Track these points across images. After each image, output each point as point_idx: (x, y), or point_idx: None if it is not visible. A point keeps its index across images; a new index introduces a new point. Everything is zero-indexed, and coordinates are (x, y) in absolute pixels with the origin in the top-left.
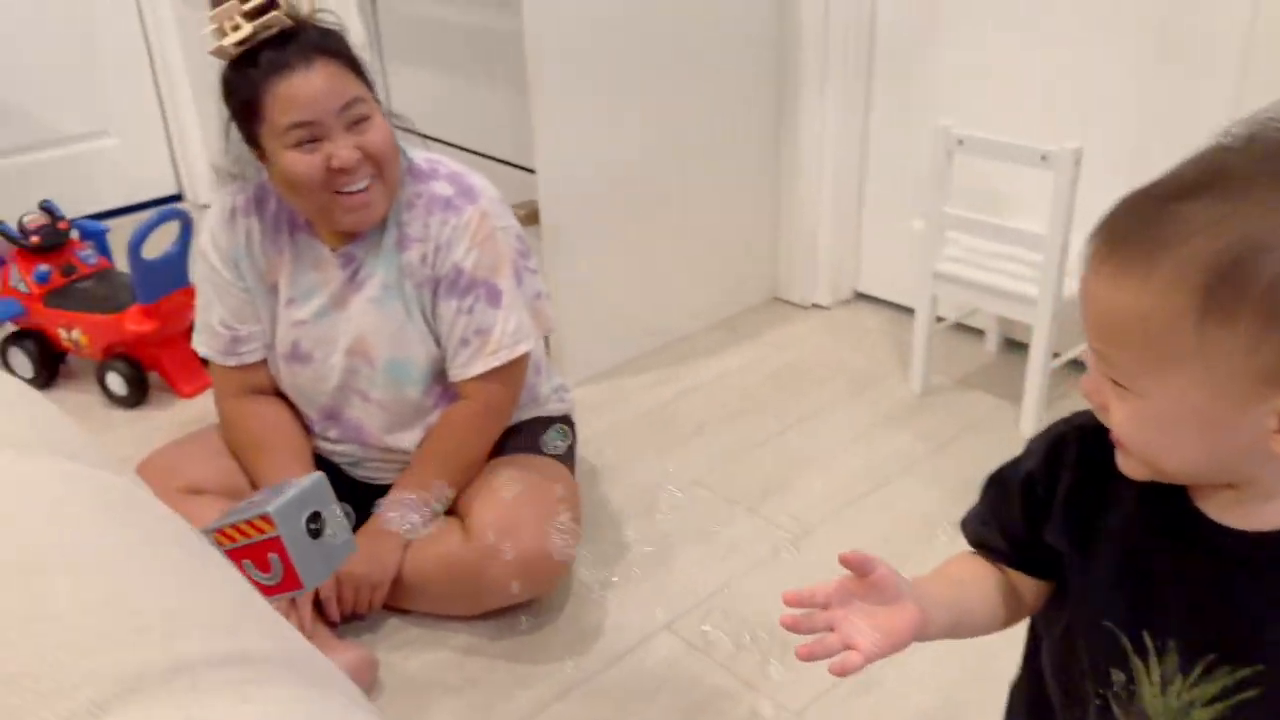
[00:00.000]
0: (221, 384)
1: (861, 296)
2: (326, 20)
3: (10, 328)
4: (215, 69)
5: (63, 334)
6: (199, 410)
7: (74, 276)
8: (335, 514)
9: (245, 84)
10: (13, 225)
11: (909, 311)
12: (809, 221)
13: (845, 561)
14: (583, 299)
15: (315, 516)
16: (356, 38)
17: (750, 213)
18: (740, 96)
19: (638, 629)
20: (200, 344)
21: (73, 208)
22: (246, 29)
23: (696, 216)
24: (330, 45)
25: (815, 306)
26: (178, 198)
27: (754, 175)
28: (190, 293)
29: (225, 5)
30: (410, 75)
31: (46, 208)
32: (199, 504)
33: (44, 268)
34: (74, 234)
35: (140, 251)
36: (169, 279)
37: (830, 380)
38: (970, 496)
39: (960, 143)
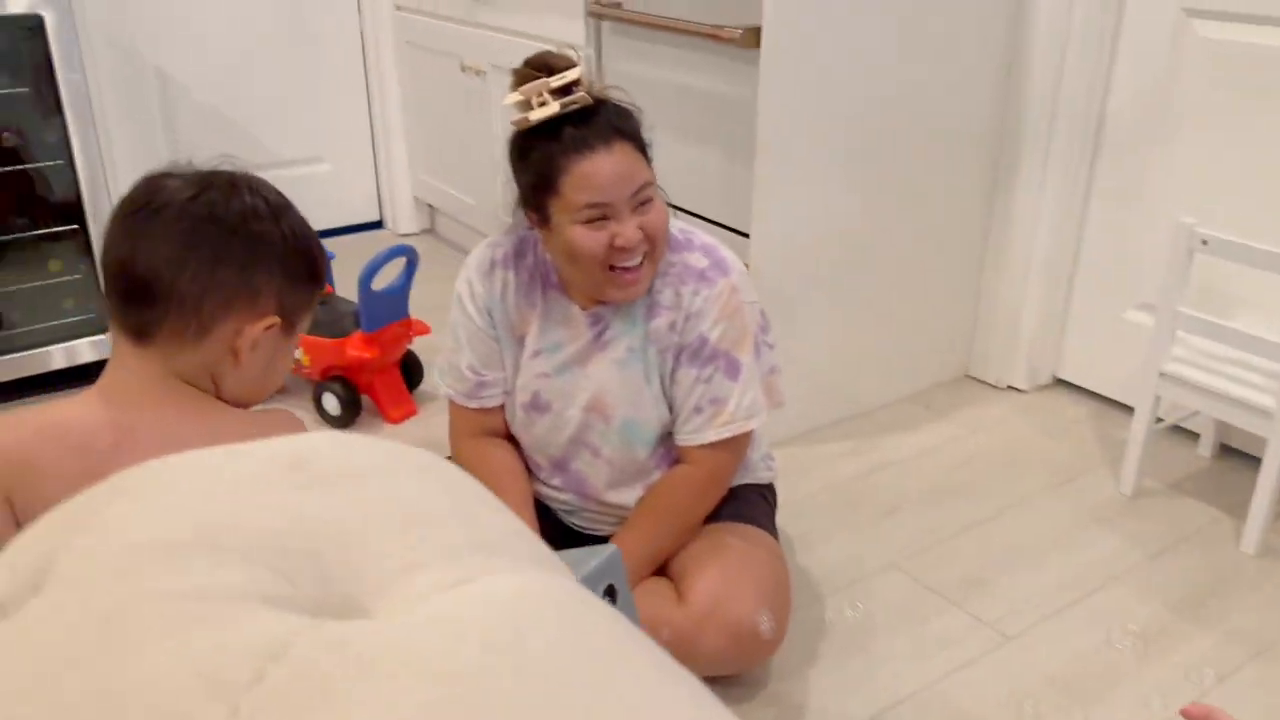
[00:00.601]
0: (460, 424)
1: (1061, 383)
2: (620, 98)
3: None
4: (425, 107)
5: None
6: (407, 437)
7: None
8: (625, 589)
9: (545, 157)
10: None
11: (1114, 404)
12: (1012, 301)
13: (1188, 714)
14: (780, 362)
15: (610, 590)
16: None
17: (952, 287)
18: (955, 171)
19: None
20: (446, 384)
21: None
22: (553, 106)
23: (898, 287)
24: (627, 128)
25: (1011, 388)
26: (378, 224)
27: (959, 249)
28: (408, 325)
29: (535, 82)
30: None
31: None
32: None
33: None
34: None
35: (370, 283)
36: (391, 311)
37: (1030, 470)
38: (1190, 613)
39: (1204, 243)
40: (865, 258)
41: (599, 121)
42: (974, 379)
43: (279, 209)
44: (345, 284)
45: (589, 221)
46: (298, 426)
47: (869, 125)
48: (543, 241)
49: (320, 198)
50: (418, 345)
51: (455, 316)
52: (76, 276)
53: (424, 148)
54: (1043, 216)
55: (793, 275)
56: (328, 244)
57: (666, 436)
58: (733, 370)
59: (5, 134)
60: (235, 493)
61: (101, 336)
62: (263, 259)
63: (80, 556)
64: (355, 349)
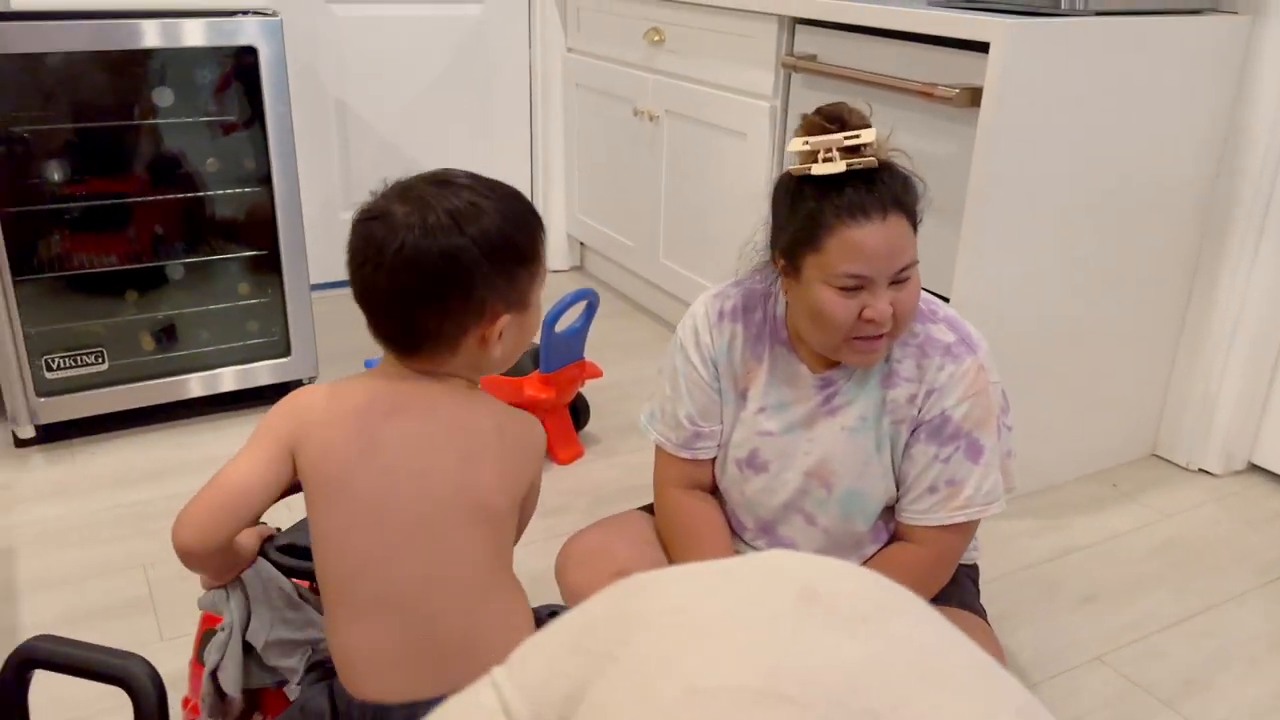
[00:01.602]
0: (668, 473)
1: (1257, 469)
2: (902, 164)
3: None
4: (589, 148)
5: None
6: (575, 479)
7: None
8: None
9: (816, 211)
10: None
11: None
12: (1209, 382)
13: None
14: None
15: None
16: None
17: (1145, 361)
18: (1161, 241)
19: None
20: (657, 432)
21: None
22: (840, 165)
23: (1090, 358)
24: (907, 200)
25: (1202, 471)
26: None
27: (1156, 322)
28: (583, 367)
29: (827, 136)
30: None
31: None
32: None
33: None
34: None
35: (554, 325)
36: (569, 353)
37: (1233, 565)
38: None
39: None
40: (1059, 326)
41: (881, 189)
42: (1161, 459)
43: (465, 216)
44: None
45: (843, 288)
46: (537, 427)
47: (1078, 190)
48: (783, 289)
49: None
50: (586, 387)
51: (676, 364)
52: (264, 300)
53: (583, 187)
54: (1252, 291)
55: (985, 340)
56: None
57: (887, 511)
58: (974, 452)
59: (210, 159)
60: (772, 631)
61: (283, 360)
62: (475, 274)
63: (628, 695)
64: (533, 389)
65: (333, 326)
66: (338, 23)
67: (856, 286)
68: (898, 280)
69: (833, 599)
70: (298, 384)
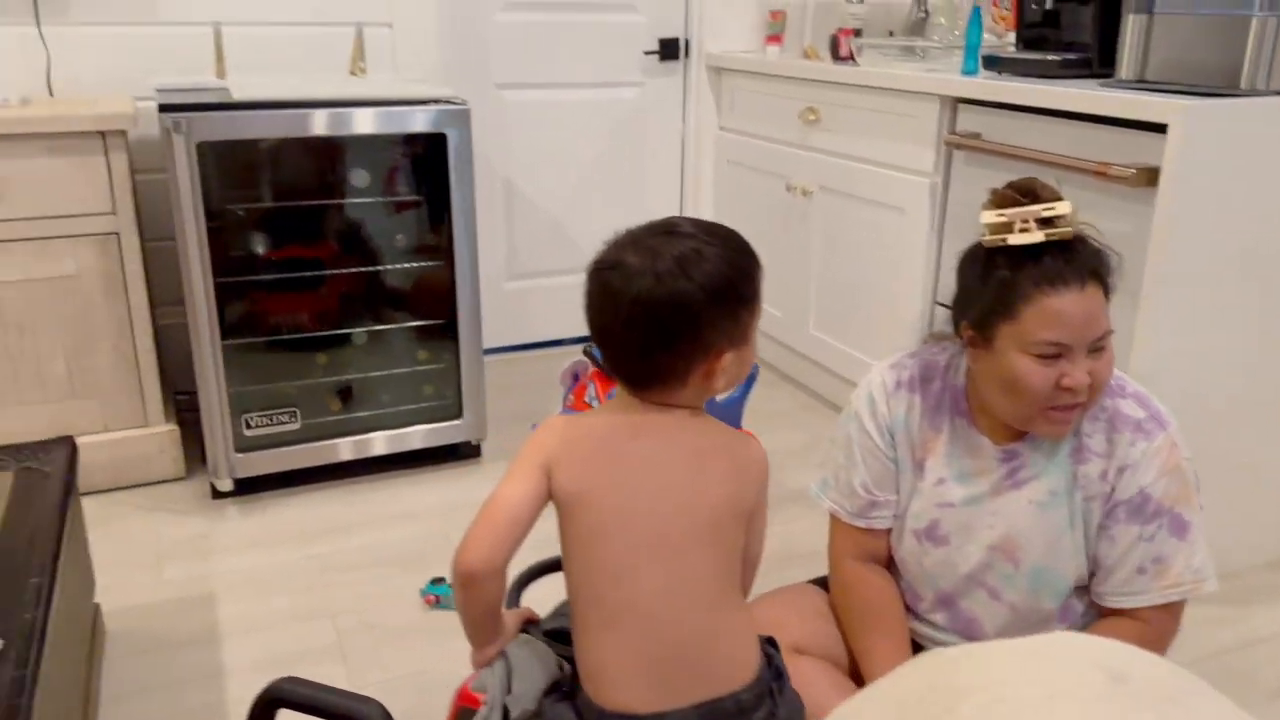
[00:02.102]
0: (843, 543)
1: None
2: (1096, 237)
3: None
4: (738, 222)
5: None
6: None
7: None
8: None
9: (1012, 281)
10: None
11: None
12: None
13: None
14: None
15: None
16: None
17: None
18: None
19: None
20: (831, 500)
21: (586, 327)
22: (1038, 235)
23: (1264, 441)
24: (1103, 271)
25: None
26: None
27: None
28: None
29: (1024, 208)
30: None
31: None
32: (804, 665)
33: (617, 391)
34: None
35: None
36: (729, 422)
37: None
38: None
39: None
40: (1241, 405)
41: (1078, 259)
42: None
43: (690, 262)
44: None
45: (1041, 356)
46: (759, 446)
47: (1259, 268)
48: (970, 360)
49: None
50: None
51: (850, 432)
52: (439, 365)
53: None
54: None
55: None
56: None
57: (1079, 590)
58: (1179, 528)
59: (398, 235)
60: (1093, 712)
61: (455, 422)
62: (702, 318)
63: None
64: None
65: (498, 390)
66: (508, 107)
67: (1055, 355)
68: (1095, 349)
69: (1140, 681)
70: (467, 445)
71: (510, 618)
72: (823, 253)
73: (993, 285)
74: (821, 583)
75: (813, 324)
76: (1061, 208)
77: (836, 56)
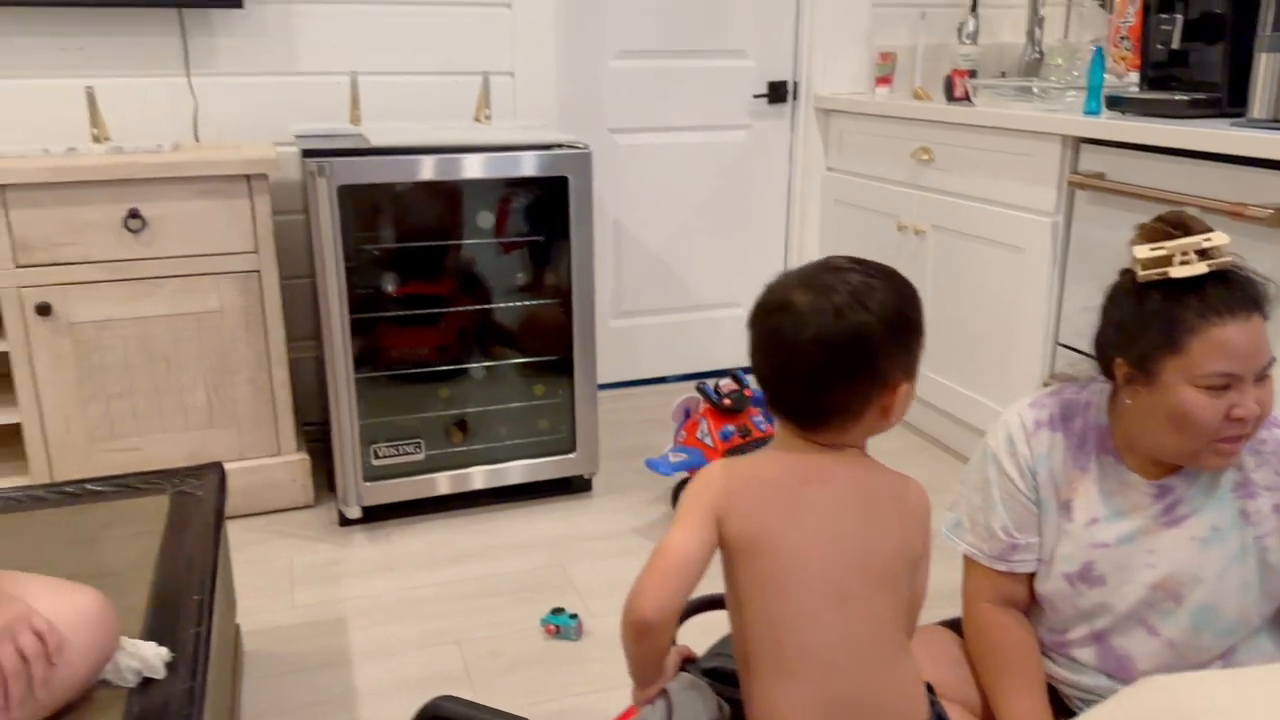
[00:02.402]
0: (980, 586)
1: None
2: (1251, 267)
3: (685, 474)
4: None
5: None
6: None
7: (749, 439)
8: None
9: (1175, 314)
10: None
11: None
12: None
13: None
14: None
15: None
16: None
17: None
18: None
19: None
20: (967, 543)
21: (693, 364)
22: (1200, 266)
23: None
24: (1262, 299)
25: None
26: None
27: None
28: None
29: (1182, 240)
30: (1084, 297)
31: (736, 376)
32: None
33: (730, 427)
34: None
35: None
36: None
37: None
38: None
39: None
40: None
41: (1239, 288)
42: None
43: (864, 294)
44: None
45: (1210, 388)
46: (921, 489)
47: None
48: (1128, 398)
49: (731, 339)
50: None
51: (988, 474)
52: (554, 401)
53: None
54: None
55: None
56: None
57: (1246, 627)
58: None
59: (519, 274)
60: None
61: (568, 456)
62: (880, 349)
63: None
64: None
65: (604, 426)
66: (619, 150)
67: (1224, 386)
68: (1260, 378)
69: None
70: (579, 479)
71: (670, 655)
72: (935, 291)
73: (1153, 320)
74: (951, 625)
75: (925, 364)
76: (1218, 238)
77: (951, 97)
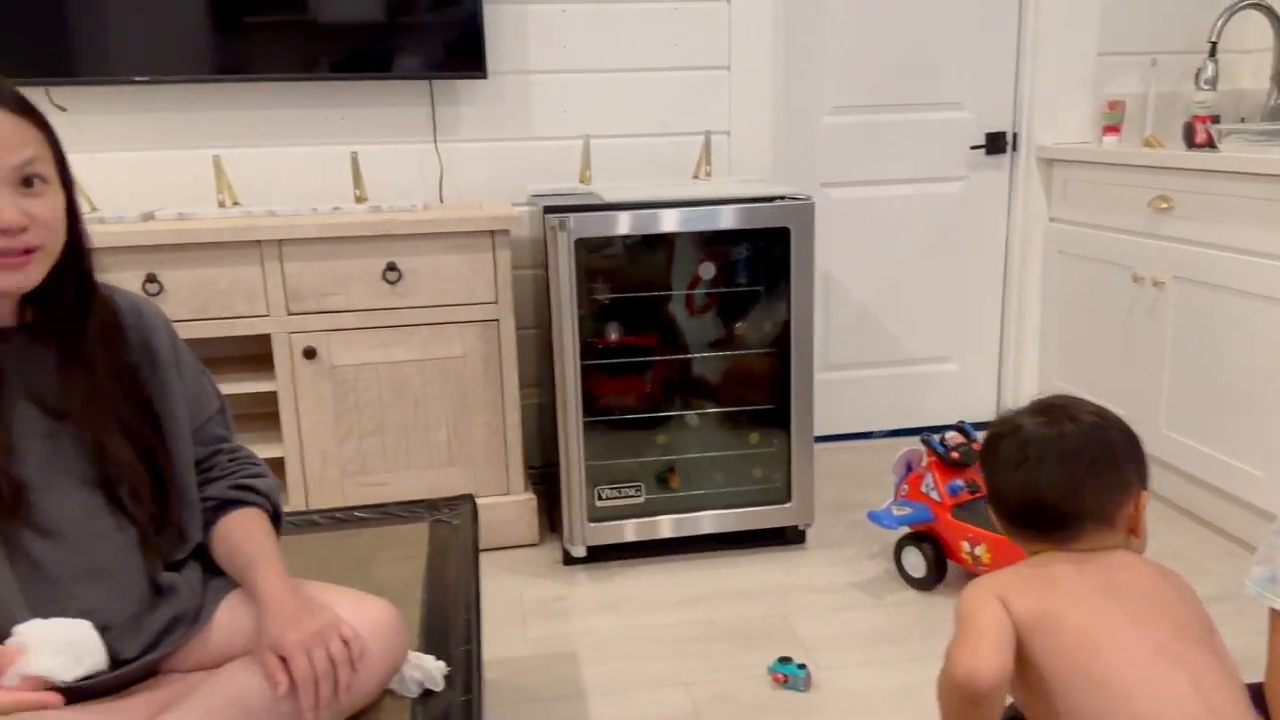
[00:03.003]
0: None
1: None
2: None
3: (906, 529)
4: (1072, 315)
5: (964, 546)
6: None
7: (977, 495)
8: None
9: None
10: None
11: None
12: None
13: None
14: None
15: None
16: None
17: None
18: None
19: None
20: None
21: (901, 420)
22: None
23: None
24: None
25: None
26: None
27: None
28: None
29: None
30: None
31: (963, 429)
32: None
33: (958, 482)
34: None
35: None
36: None
37: None
38: None
39: None
40: None
41: None
42: None
43: (1104, 414)
44: None
45: None
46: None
47: None
48: None
49: (942, 394)
50: None
51: None
52: (769, 449)
53: (1060, 354)
54: None
55: None
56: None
57: None
58: None
59: (739, 324)
60: None
61: (783, 506)
62: (1121, 458)
63: None
64: None
65: (827, 478)
66: (832, 203)
67: None
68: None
69: None
70: (793, 530)
71: None
72: (1176, 345)
73: None
74: (1252, 688)
75: (1163, 422)
76: None
77: (1191, 143)
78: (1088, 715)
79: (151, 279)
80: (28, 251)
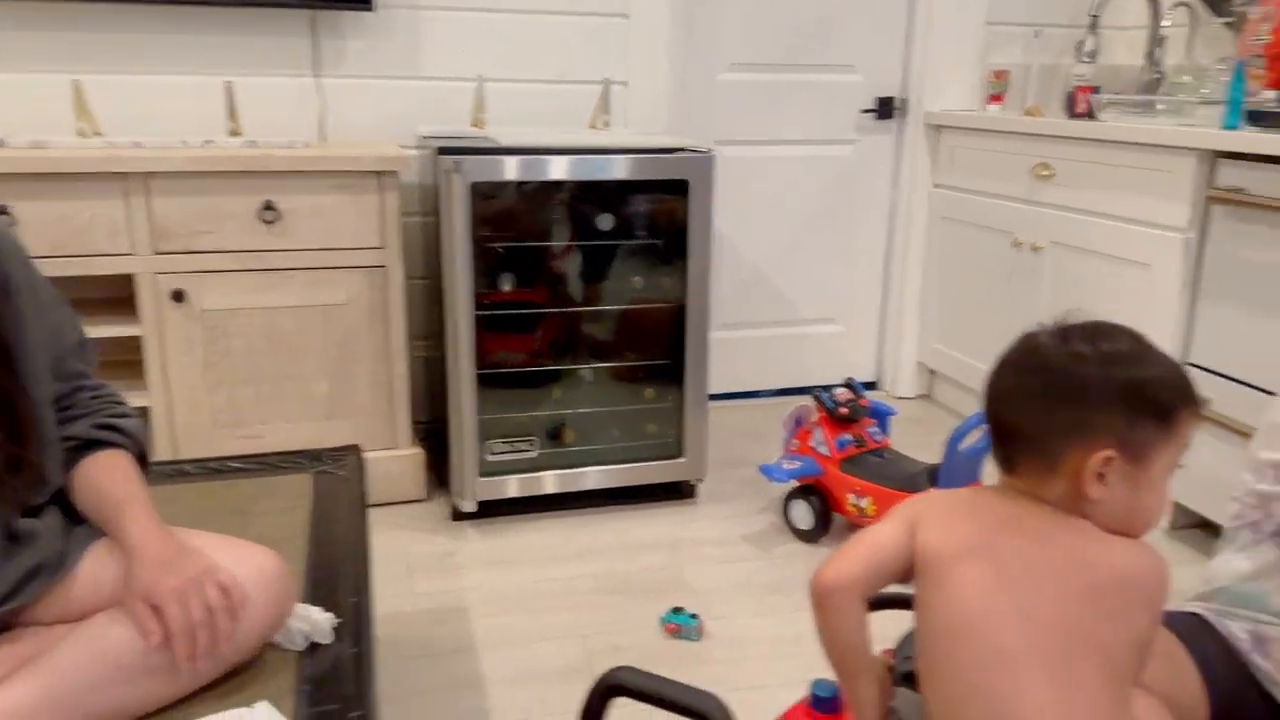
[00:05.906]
0: None
1: None
2: None
3: (795, 483)
4: (951, 279)
5: (850, 498)
6: None
7: (864, 449)
8: None
9: None
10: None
11: None
12: None
13: None
14: None
15: None
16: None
17: None
18: None
19: None
20: None
21: (789, 379)
22: None
23: None
24: None
25: None
26: (872, 385)
27: None
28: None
29: None
30: (1220, 315)
31: (851, 385)
32: None
33: (846, 436)
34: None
35: (959, 444)
36: (969, 474)
37: None
38: None
39: None
40: None
41: None
42: None
43: (1112, 357)
44: (902, 440)
45: None
46: (1153, 556)
47: None
48: None
49: (827, 355)
50: None
51: None
52: (664, 405)
53: (941, 317)
54: None
55: None
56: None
57: None
58: None
59: (635, 278)
60: None
61: (676, 461)
62: (1090, 401)
63: None
64: None
65: (715, 435)
66: (725, 162)
67: None
68: None
69: None
70: (685, 484)
71: (878, 664)
72: (1053, 308)
73: None
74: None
75: None
76: None
77: (1073, 113)
78: (943, 686)
79: (1, 210)
80: None
